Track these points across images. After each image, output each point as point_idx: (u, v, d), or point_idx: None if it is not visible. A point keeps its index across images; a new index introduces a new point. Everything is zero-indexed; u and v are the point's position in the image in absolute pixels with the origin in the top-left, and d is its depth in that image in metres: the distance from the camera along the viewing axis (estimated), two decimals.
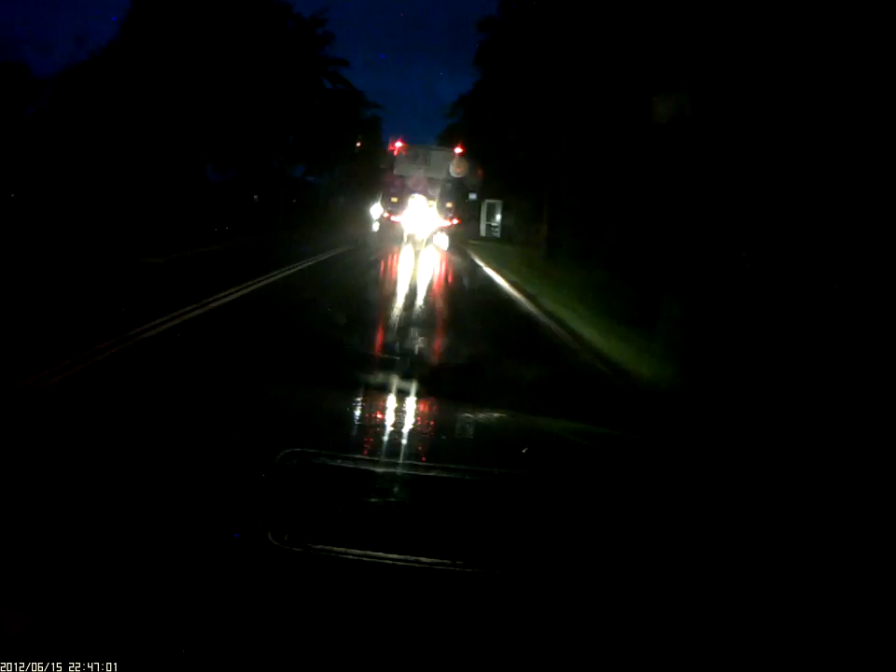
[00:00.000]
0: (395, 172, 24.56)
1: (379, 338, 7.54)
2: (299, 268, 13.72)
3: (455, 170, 23.65)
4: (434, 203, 23.77)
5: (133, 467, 1.08)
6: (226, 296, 8.82)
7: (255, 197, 30.40)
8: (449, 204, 24.04)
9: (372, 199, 33.11)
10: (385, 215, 24.66)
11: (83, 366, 4.93)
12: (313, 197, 40.63)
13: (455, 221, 24.32)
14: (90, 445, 1.20)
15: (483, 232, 33.22)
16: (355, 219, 34.51)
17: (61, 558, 0.84)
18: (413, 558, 0.88)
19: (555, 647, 0.78)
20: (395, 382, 5.18)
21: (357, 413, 1.87)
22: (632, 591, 0.88)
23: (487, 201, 33.01)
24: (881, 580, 0.96)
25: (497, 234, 32.97)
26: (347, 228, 30.29)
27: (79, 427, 1.34)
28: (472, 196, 26.16)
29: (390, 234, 23.51)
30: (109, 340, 5.72)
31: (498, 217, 33.34)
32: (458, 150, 24.87)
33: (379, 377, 5.37)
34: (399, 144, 24.75)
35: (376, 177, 33.11)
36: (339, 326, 7.46)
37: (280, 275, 12.03)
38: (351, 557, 0.87)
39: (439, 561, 0.88)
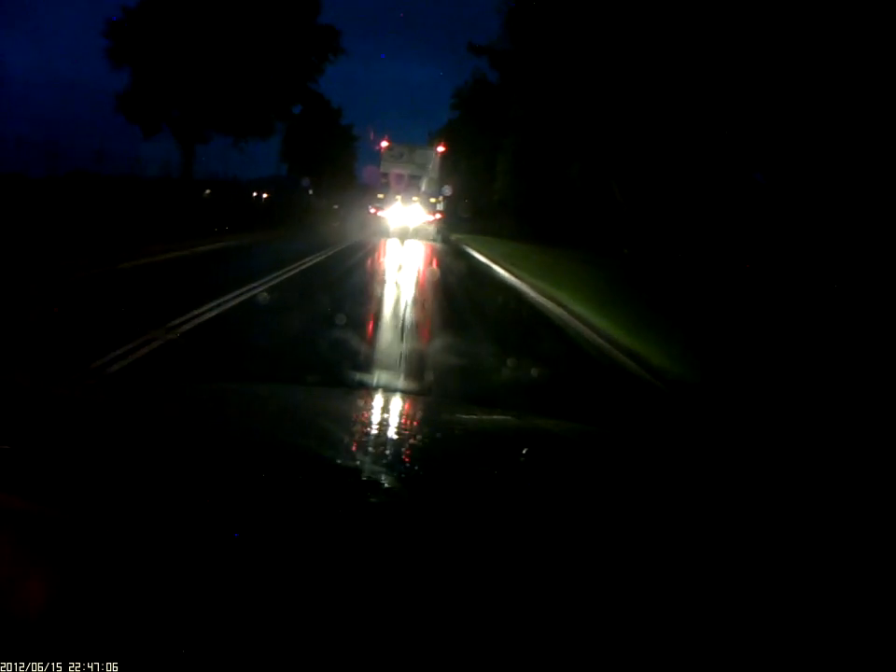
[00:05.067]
0: (380, 169, 25.72)
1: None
2: None
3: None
4: (418, 199, 24.99)
5: (133, 467, 1.10)
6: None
7: (206, 192, 28.29)
8: (433, 200, 25.30)
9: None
10: (372, 210, 25.78)
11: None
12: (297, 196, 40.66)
13: (440, 216, 25.56)
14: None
15: None
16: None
17: (61, 556, 0.85)
18: (412, 559, 0.89)
19: (552, 648, 0.79)
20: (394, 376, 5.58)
21: (357, 412, 1.89)
22: (628, 595, 0.89)
23: None
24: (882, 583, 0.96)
25: None
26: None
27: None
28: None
29: (376, 229, 24.61)
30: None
31: None
32: (440, 148, 26.16)
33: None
34: (384, 143, 25.91)
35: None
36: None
37: None
38: (350, 558, 0.88)
39: (437, 562, 0.89)
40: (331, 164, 45.58)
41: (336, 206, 44.43)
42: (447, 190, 25.78)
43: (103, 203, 16.57)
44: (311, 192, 42.94)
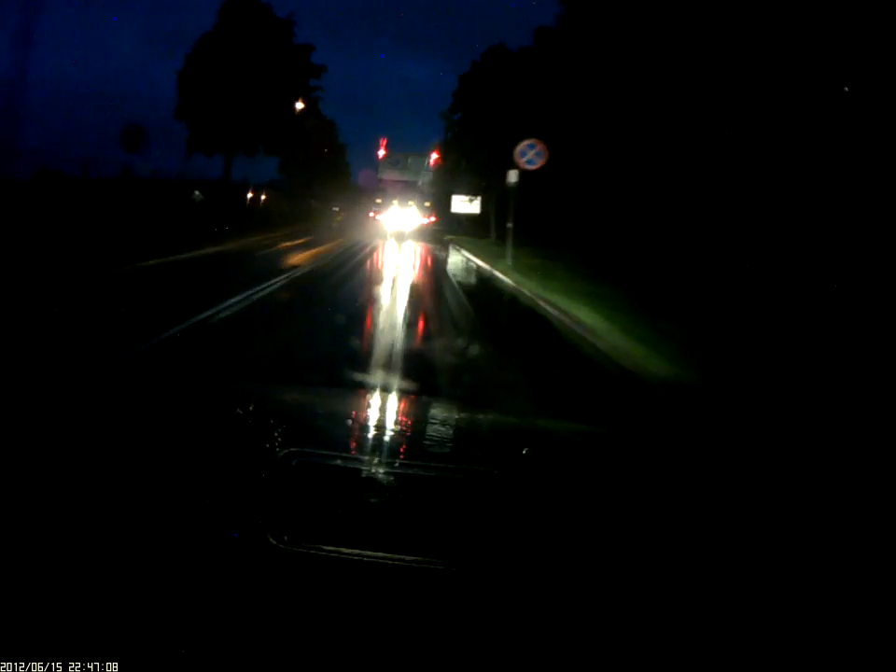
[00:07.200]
0: (378, 176, 27.47)
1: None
2: None
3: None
4: (413, 204, 26.68)
5: (135, 467, 1.11)
6: None
7: (196, 193, 25.45)
8: (427, 204, 26.99)
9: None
10: (371, 214, 27.44)
11: None
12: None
13: (433, 219, 27.22)
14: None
15: None
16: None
17: (61, 556, 0.86)
18: (412, 559, 0.90)
19: (548, 648, 0.80)
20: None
21: (357, 411, 1.92)
22: (624, 595, 0.89)
23: None
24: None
25: None
26: None
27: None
28: None
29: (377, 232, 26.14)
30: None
31: None
32: (434, 155, 27.84)
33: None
34: (381, 151, 27.61)
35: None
36: None
37: None
38: (350, 557, 0.88)
39: (437, 561, 0.90)
40: (289, 130, 27.05)
41: (336, 209, 42.09)
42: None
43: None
44: (198, 195, 25.75)
